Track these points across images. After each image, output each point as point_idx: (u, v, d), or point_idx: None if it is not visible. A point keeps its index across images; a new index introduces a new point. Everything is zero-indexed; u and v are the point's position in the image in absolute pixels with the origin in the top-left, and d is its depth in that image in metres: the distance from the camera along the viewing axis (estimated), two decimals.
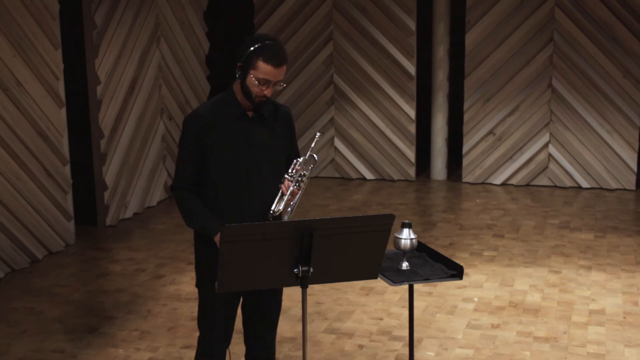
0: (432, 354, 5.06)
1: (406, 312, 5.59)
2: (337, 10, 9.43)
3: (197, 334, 4.00)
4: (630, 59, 8.77)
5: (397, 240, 3.93)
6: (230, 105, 3.65)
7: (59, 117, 7.06)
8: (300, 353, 5.07)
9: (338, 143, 9.73)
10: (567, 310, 5.71)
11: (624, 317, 5.57)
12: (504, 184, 9.41)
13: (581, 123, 9.03)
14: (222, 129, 3.62)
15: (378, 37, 9.35)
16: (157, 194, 8.70)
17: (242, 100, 3.63)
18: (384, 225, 3.38)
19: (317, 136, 3.76)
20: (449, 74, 9.48)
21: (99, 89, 7.56)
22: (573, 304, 5.82)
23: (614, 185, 9.08)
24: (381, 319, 5.60)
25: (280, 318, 5.57)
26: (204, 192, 3.69)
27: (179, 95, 8.88)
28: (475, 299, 5.94)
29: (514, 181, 9.39)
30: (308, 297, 5.59)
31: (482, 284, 6.23)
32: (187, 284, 6.29)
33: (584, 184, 9.16)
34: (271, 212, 3.63)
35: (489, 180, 9.46)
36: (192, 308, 5.78)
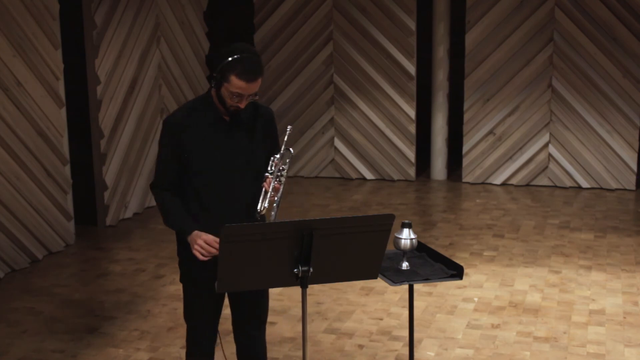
0: (432, 354, 5.06)
1: (406, 312, 5.59)
2: (337, 10, 9.43)
3: None
4: (630, 59, 8.77)
5: (397, 240, 3.93)
6: (207, 109, 3.65)
7: (59, 117, 7.06)
8: (300, 353, 5.07)
9: (338, 143, 9.73)
10: (567, 310, 5.71)
11: (624, 317, 5.57)
12: (504, 184, 9.41)
13: (581, 123, 9.03)
14: (199, 132, 3.63)
15: (378, 37, 9.35)
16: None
17: (219, 104, 3.64)
18: (384, 225, 3.38)
19: (288, 129, 3.73)
20: (449, 74, 9.49)
21: (99, 89, 7.56)
22: (573, 304, 5.82)
23: (614, 185, 9.08)
24: (381, 319, 5.60)
25: (280, 318, 5.59)
26: (184, 193, 3.71)
27: (179, 95, 8.88)
28: (475, 299, 5.94)
29: (514, 181, 9.39)
30: (308, 297, 5.60)
31: (482, 284, 6.23)
32: None
33: (584, 184, 9.16)
34: (258, 211, 3.62)
35: (489, 180, 9.46)
36: None
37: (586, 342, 5.19)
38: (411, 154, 9.54)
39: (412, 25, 9.26)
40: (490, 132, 9.35)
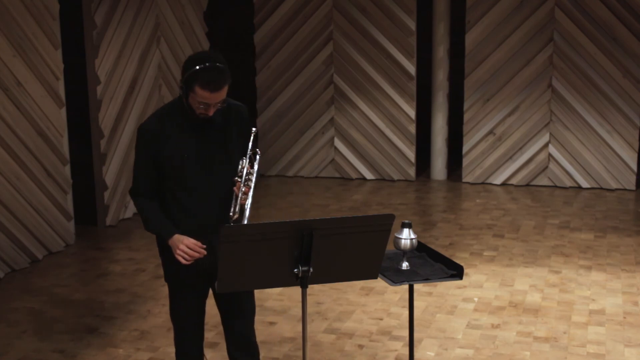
0: (432, 354, 5.06)
1: (406, 312, 5.59)
2: (337, 10, 9.43)
3: None
4: (630, 59, 8.77)
5: (397, 240, 3.93)
6: (180, 113, 3.65)
7: (59, 117, 7.06)
8: (300, 353, 5.07)
9: (338, 143, 9.73)
10: (567, 310, 5.71)
11: (624, 317, 5.57)
12: (504, 184, 9.41)
13: (581, 123, 9.03)
14: (174, 137, 3.64)
15: (378, 37, 9.35)
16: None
17: (190, 111, 3.63)
18: (384, 225, 3.38)
19: (253, 131, 3.70)
20: (449, 74, 9.49)
21: (99, 89, 7.56)
22: (573, 304, 5.82)
23: (614, 185, 9.08)
24: (381, 319, 5.60)
25: (280, 318, 5.59)
26: (163, 197, 3.73)
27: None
28: (475, 299, 5.94)
29: (514, 181, 9.39)
30: (308, 297, 5.59)
31: (482, 284, 6.23)
32: None
33: (584, 184, 9.16)
34: (230, 216, 3.61)
35: (489, 180, 9.46)
36: None
37: (586, 342, 5.19)
38: (411, 154, 9.54)
39: (412, 25, 9.26)
40: (490, 132, 9.35)
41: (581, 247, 7.10)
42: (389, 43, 9.35)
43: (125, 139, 8.02)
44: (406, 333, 5.24)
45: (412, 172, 9.60)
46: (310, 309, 5.74)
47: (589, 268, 6.57)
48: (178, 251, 3.60)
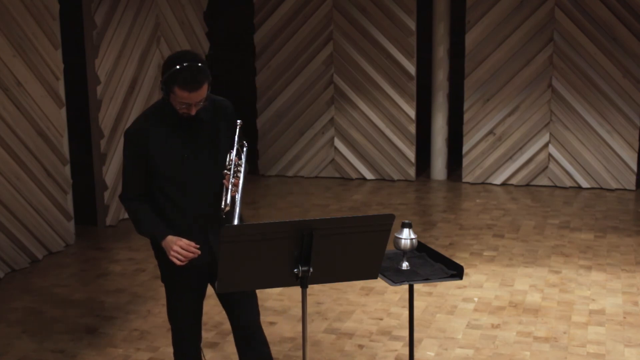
0: (432, 354, 5.06)
1: (406, 312, 5.59)
2: (337, 10, 9.43)
3: None
4: (630, 59, 8.77)
5: (397, 240, 3.93)
6: (165, 114, 3.66)
7: (59, 117, 7.06)
8: (300, 353, 5.07)
9: (338, 143, 9.73)
10: (567, 310, 5.71)
11: (624, 317, 5.57)
12: (504, 184, 9.41)
13: (581, 123, 9.03)
14: (161, 137, 3.65)
15: (378, 37, 9.35)
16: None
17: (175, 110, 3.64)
18: (384, 225, 3.38)
19: (238, 123, 3.69)
20: (449, 74, 9.48)
21: (99, 89, 7.56)
22: (573, 304, 5.82)
23: (614, 185, 9.08)
24: (381, 319, 5.60)
25: (280, 318, 5.60)
26: (154, 199, 3.73)
27: None
28: (475, 299, 5.94)
29: (514, 181, 9.39)
30: (308, 297, 5.59)
31: (482, 284, 6.23)
32: None
33: (584, 184, 9.16)
34: (222, 208, 3.62)
35: (489, 180, 9.46)
36: None
37: (586, 342, 5.19)
38: (411, 154, 9.54)
39: (412, 25, 9.26)
40: (490, 132, 9.35)
41: (581, 247, 7.10)
42: (389, 43, 9.35)
43: None
44: (406, 333, 5.24)
45: (412, 172, 9.60)
46: (310, 309, 5.74)
47: (589, 268, 6.57)
48: (172, 252, 3.61)
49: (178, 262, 3.60)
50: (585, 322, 5.50)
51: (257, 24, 9.75)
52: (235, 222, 3.56)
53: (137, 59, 8.09)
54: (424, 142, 9.86)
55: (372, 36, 9.37)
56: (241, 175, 3.62)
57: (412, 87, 9.39)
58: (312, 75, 9.66)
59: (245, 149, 3.69)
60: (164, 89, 3.56)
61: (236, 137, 3.68)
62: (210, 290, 3.88)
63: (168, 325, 5.49)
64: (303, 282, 3.37)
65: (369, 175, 9.72)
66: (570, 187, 9.21)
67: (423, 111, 9.77)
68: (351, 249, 3.40)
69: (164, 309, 5.79)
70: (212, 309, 5.35)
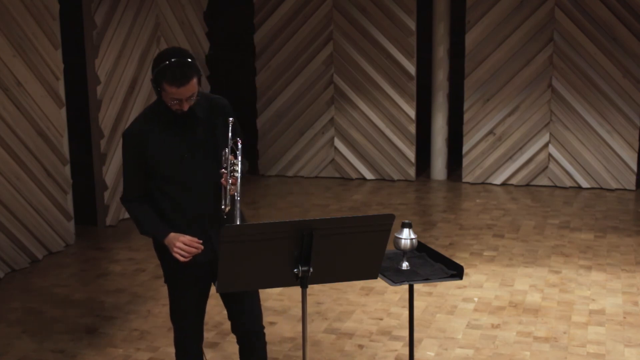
0: (432, 354, 5.06)
1: (406, 312, 5.59)
2: (337, 10, 9.43)
3: None
4: (630, 59, 8.77)
5: (397, 240, 3.93)
6: (161, 114, 3.67)
7: (59, 117, 7.06)
8: (300, 353, 5.07)
9: (338, 143, 9.73)
10: (567, 310, 5.71)
11: (624, 317, 5.57)
12: (504, 184, 9.41)
13: (581, 123, 9.03)
14: (159, 137, 3.66)
15: (378, 37, 9.35)
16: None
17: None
18: (384, 225, 3.38)
19: (230, 121, 3.68)
20: (449, 74, 9.49)
21: (99, 89, 7.56)
22: (573, 304, 5.82)
23: (614, 185, 9.08)
24: (381, 319, 5.60)
25: (280, 318, 5.59)
26: (154, 199, 3.74)
27: None
28: (475, 299, 5.94)
29: (514, 181, 9.39)
30: (308, 297, 5.60)
31: (482, 284, 6.23)
32: None
33: (584, 184, 9.16)
34: (222, 208, 3.62)
35: (489, 180, 9.46)
36: None
37: (586, 342, 5.19)
38: (411, 154, 9.54)
39: (412, 25, 9.25)
40: (490, 132, 9.35)
41: (581, 247, 7.10)
42: (389, 43, 9.34)
43: None
44: (406, 333, 5.24)
45: (412, 172, 9.60)
46: (310, 309, 5.74)
47: (589, 268, 6.57)
48: (175, 249, 3.61)
49: (182, 259, 3.61)
50: (585, 322, 5.50)
51: (257, 24, 9.75)
52: (237, 222, 3.57)
53: (137, 59, 8.09)
54: (424, 142, 9.86)
55: (372, 36, 9.37)
56: (238, 175, 3.61)
57: (412, 87, 9.39)
58: (312, 75, 9.66)
59: (240, 145, 3.67)
60: (154, 86, 3.59)
61: (229, 134, 3.66)
62: (210, 290, 3.89)
63: (168, 325, 5.49)
64: (303, 282, 3.37)
65: (369, 175, 9.72)
66: (570, 187, 9.21)
67: (423, 111, 9.77)
68: (351, 249, 3.40)
69: (164, 309, 5.80)
70: (212, 309, 5.35)
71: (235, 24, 10.76)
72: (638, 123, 8.89)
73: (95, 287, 6.33)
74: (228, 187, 3.60)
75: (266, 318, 5.54)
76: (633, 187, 9.04)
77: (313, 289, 6.04)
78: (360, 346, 5.19)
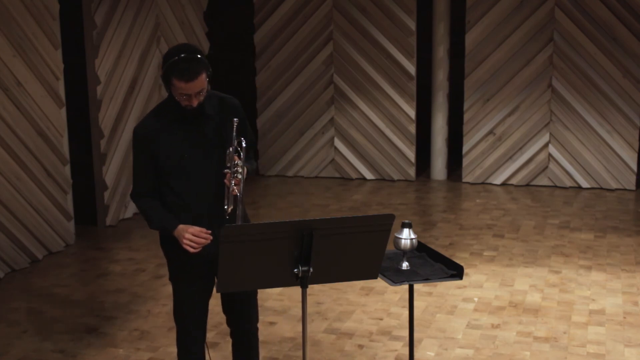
0: (432, 354, 5.06)
1: (406, 312, 5.59)
2: (337, 10, 9.43)
3: None
4: (630, 59, 8.77)
5: (397, 240, 3.93)
6: (172, 111, 3.71)
7: (59, 117, 7.06)
8: (300, 353, 5.07)
9: (338, 143, 9.73)
10: (567, 310, 5.71)
11: (624, 317, 5.57)
12: (504, 184, 9.41)
13: (581, 123, 9.03)
14: (168, 134, 3.70)
15: (378, 37, 9.35)
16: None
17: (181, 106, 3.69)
18: (384, 225, 3.38)
19: (235, 121, 3.70)
20: (449, 74, 9.48)
21: (99, 89, 7.56)
22: (573, 304, 5.82)
23: (614, 185, 9.08)
24: (381, 319, 5.60)
25: (280, 318, 5.59)
26: (163, 195, 3.77)
27: None
28: (475, 299, 5.94)
29: (514, 181, 9.39)
30: (308, 297, 5.60)
31: (482, 284, 6.23)
32: None
33: (584, 184, 9.16)
34: (225, 208, 3.65)
35: (489, 180, 9.46)
36: None
37: (586, 342, 5.19)
38: (411, 154, 9.54)
39: (412, 25, 9.26)
40: (490, 132, 9.35)
41: (581, 247, 7.10)
42: (389, 43, 9.35)
43: (125, 139, 8.01)
44: (406, 333, 5.24)
45: (412, 172, 9.60)
46: (310, 309, 5.74)
47: (589, 268, 6.57)
48: (185, 241, 3.63)
49: (191, 250, 3.62)
50: (585, 322, 5.50)
51: (257, 24, 9.75)
52: (239, 222, 3.58)
53: (137, 59, 8.09)
54: (424, 142, 9.86)
55: (372, 36, 9.37)
56: (240, 176, 3.62)
57: (412, 87, 9.39)
58: (312, 75, 9.66)
59: (243, 145, 3.70)
60: (164, 82, 3.63)
61: (233, 133, 3.67)
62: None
63: (168, 325, 5.49)
64: (303, 282, 3.37)
65: (369, 175, 9.72)
66: (570, 187, 9.21)
67: (423, 111, 9.77)
68: (351, 249, 3.40)
69: (164, 309, 5.80)
70: (212, 309, 5.33)
71: (235, 24, 10.75)
72: (638, 123, 8.89)
73: (95, 287, 6.33)
74: (231, 188, 3.61)
75: (266, 318, 5.55)
76: (633, 187, 9.04)
77: (313, 289, 6.04)
78: (360, 346, 5.19)
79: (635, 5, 8.66)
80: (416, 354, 5.01)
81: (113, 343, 5.27)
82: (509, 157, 9.35)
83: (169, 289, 6.23)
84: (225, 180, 3.64)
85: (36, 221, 6.87)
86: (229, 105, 3.81)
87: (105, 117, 7.69)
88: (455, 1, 9.63)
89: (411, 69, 9.34)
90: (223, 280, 3.31)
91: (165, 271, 6.61)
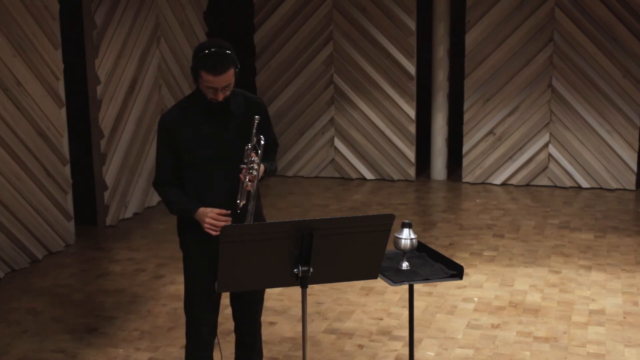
0: (432, 354, 5.06)
1: (406, 312, 5.59)
2: (337, 10, 9.43)
3: None
4: (630, 59, 8.77)
5: (397, 240, 3.93)
6: (198, 105, 3.80)
7: (59, 117, 7.06)
8: (300, 353, 5.07)
9: (338, 143, 9.73)
10: (567, 310, 5.71)
11: (624, 317, 5.57)
12: (504, 184, 9.41)
13: (581, 123, 9.03)
14: (192, 126, 3.79)
15: (378, 37, 9.35)
16: (157, 194, 8.69)
17: (207, 100, 3.77)
18: (384, 225, 3.38)
19: (256, 119, 3.76)
20: (449, 74, 9.48)
21: (99, 89, 7.56)
22: (573, 304, 5.82)
23: (614, 185, 9.08)
24: (381, 319, 5.60)
25: (280, 318, 5.60)
26: (183, 187, 3.86)
27: (179, 95, 8.88)
28: (475, 299, 5.94)
29: (514, 181, 9.39)
30: (308, 297, 5.60)
31: (482, 284, 6.23)
32: None
33: (584, 184, 9.16)
34: (237, 202, 3.70)
35: (489, 180, 9.46)
36: None
37: (586, 342, 5.19)
38: (411, 154, 9.54)
39: (412, 25, 9.26)
40: (490, 132, 9.35)
41: (581, 247, 7.10)
42: (389, 43, 9.35)
43: (125, 139, 8.02)
44: (406, 333, 5.24)
45: (412, 172, 9.60)
46: (310, 309, 5.74)
47: (589, 268, 6.57)
48: (206, 225, 3.70)
49: (214, 233, 3.68)
50: (585, 322, 5.50)
51: (257, 24, 9.75)
52: (249, 218, 3.65)
53: (137, 59, 8.09)
54: (424, 142, 9.86)
55: (372, 36, 9.37)
56: (255, 172, 3.69)
57: (412, 87, 9.39)
58: (312, 75, 9.66)
59: (262, 142, 3.77)
60: (193, 75, 3.71)
61: (253, 131, 3.74)
62: None
63: (168, 325, 5.50)
64: (303, 282, 3.37)
65: (369, 175, 9.72)
66: (570, 187, 9.21)
67: (423, 111, 9.77)
68: (351, 249, 3.40)
69: (164, 309, 5.80)
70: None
71: (235, 24, 10.75)
72: (638, 123, 8.89)
73: (95, 287, 6.33)
74: (244, 183, 3.67)
75: (266, 318, 5.55)
76: (633, 187, 9.04)
77: (313, 289, 6.04)
78: (360, 346, 5.19)
79: (635, 5, 8.66)
80: (416, 354, 5.01)
81: (113, 343, 5.27)
82: (509, 157, 9.35)
83: (169, 289, 6.24)
84: (240, 175, 3.70)
85: (36, 221, 6.87)
86: (255, 104, 3.89)
87: (105, 117, 7.69)
88: (455, 1, 9.63)
89: (411, 69, 9.34)
90: (223, 280, 3.31)
91: (165, 271, 6.63)
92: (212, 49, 3.66)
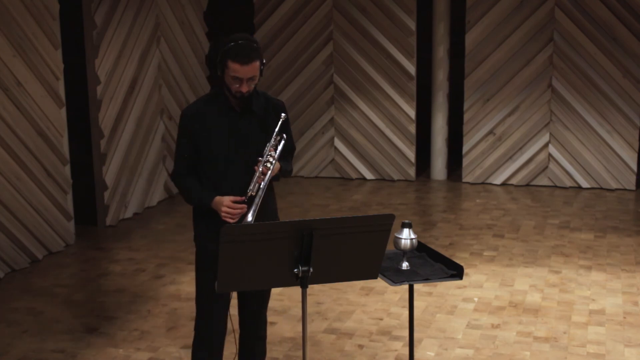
0: (432, 354, 5.06)
1: (406, 312, 5.59)
2: (337, 10, 9.43)
3: None
4: (630, 59, 8.77)
5: (397, 240, 3.93)
6: (220, 101, 3.85)
7: (59, 117, 7.06)
8: (300, 353, 5.07)
9: (338, 143, 9.73)
10: (567, 310, 5.71)
11: (624, 317, 5.57)
12: (504, 184, 9.41)
13: (581, 123, 9.03)
14: (210, 122, 3.83)
15: (378, 37, 9.35)
16: (157, 194, 8.70)
17: (228, 94, 3.81)
18: (384, 225, 3.38)
19: (282, 116, 3.84)
20: (449, 74, 9.48)
21: (99, 89, 7.56)
22: (573, 304, 5.82)
23: (614, 185, 9.08)
24: (381, 319, 5.60)
25: (280, 318, 5.60)
26: (200, 180, 3.91)
27: (179, 95, 8.88)
28: (475, 299, 5.94)
29: (514, 181, 9.39)
30: (308, 297, 5.60)
31: (482, 284, 6.23)
32: (187, 284, 6.29)
33: (584, 184, 9.16)
34: (247, 191, 3.75)
35: (489, 180, 9.46)
36: (192, 308, 5.77)
37: (586, 342, 5.19)
38: (411, 154, 9.55)
39: (412, 25, 9.26)
40: (490, 132, 9.35)
41: (581, 247, 7.10)
42: (389, 43, 9.35)
43: (125, 139, 8.02)
44: (406, 333, 5.24)
45: (412, 172, 9.60)
46: (310, 309, 5.74)
47: (589, 268, 6.57)
48: (223, 214, 3.75)
49: (231, 221, 3.74)
50: (585, 322, 5.50)
51: (257, 24, 9.75)
52: (252, 212, 3.68)
53: (137, 59, 8.09)
54: (424, 142, 9.86)
55: (372, 36, 9.37)
56: (270, 165, 3.74)
57: (412, 87, 9.40)
58: (312, 75, 9.66)
59: (283, 141, 3.82)
60: (219, 66, 3.74)
61: (277, 127, 3.79)
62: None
63: (168, 325, 5.50)
64: (303, 282, 3.37)
65: (369, 175, 9.72)
66: (570, 187, 9.21)
67: (423, 111, 9.77)
68: (351, 249, 3.40)
69: (164, 309, 5.80)
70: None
71: (235, 24, 10.75)
72: (638, 123, 8.89)
73: (95, 287, 6.33)
74: (257, 173, 3.72)
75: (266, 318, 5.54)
76: (633, 187, 9.04)
77: (313, 289, 6.04)
78: (360, 346, 5.19)
79: (635, 5, 8.66)
80: (416, 354, 5.01)
81: (113, 343, 5.27)
82: (509, 157, 9.35)
83: (169, 289, 6.24)
84: (255, 166, 3.74)
85: (36, 221, 6.87)
86: (276, 105, 3.93)
87: (105, 117, 7.69)
88: (455, 1, 9.63)
89: (411, 69, 9.34)
90: (223, 280, 3.31)
91: (165, 271, 6.63)
92: (240, 41, 3.70)
